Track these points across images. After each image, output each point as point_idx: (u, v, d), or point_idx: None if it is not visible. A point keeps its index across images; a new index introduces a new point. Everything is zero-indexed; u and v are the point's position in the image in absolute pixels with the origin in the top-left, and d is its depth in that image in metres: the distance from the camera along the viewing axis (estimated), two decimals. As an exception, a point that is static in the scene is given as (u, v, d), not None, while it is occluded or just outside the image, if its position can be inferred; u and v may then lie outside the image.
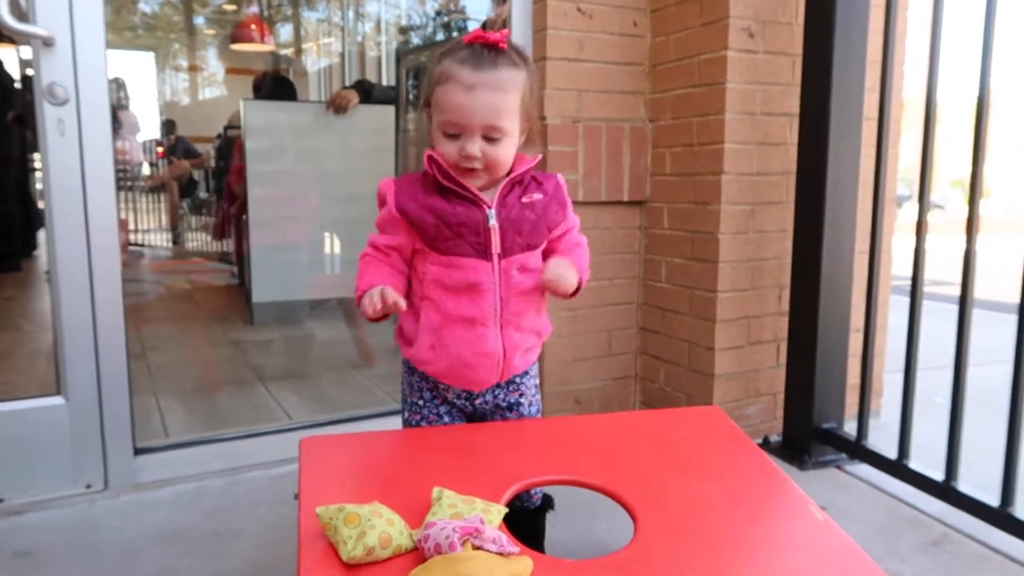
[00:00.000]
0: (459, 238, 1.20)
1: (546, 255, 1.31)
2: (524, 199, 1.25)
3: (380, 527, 0.91)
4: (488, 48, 1.17)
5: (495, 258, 1.22)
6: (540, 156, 1.28)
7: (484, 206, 1.21)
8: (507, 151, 1.20)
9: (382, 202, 1.25)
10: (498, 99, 1.16)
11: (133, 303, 3.92)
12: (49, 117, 1.67)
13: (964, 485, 1.67)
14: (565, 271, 1.23)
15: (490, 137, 1.17)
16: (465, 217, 1.20)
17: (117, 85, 6.85)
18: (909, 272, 1.78)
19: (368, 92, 3.62)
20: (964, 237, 1.63)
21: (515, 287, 1.24)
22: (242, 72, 6.78)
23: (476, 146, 1.17)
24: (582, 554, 0.94)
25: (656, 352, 2.32)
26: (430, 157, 1.20)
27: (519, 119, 1.20)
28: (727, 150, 2.01)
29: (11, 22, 1.59)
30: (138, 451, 1.87)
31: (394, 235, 1.24)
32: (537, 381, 1.38)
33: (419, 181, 1.24)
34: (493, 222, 1.21)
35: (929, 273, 1.84)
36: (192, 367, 3.13)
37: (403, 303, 1.17)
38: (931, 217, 1.78)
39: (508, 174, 1.24)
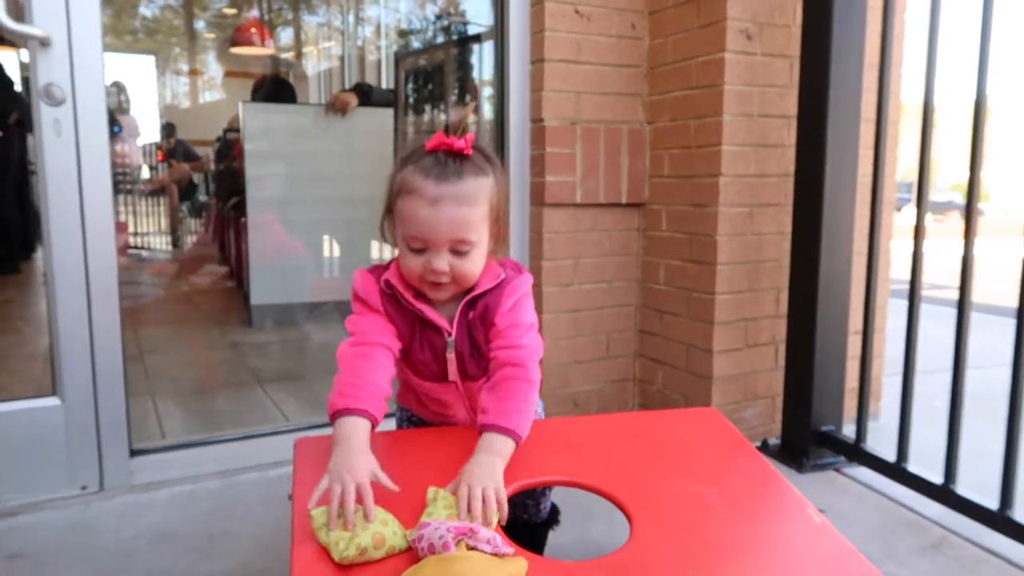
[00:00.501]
0: (422, 365, 1.20)
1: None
2: (471, 314, 1.18)
3: (373, 527, 0.90)
4: (452, 156, 1.10)
5: (457, 382, 1.22)
6: (503, 275, 1.19)
7: (444, 333, 1.18)
8: (476, 263, 1.14)
9: (359, 298, 1.19)
10: (465, 212, 1.08)
11: (132, 306, 3.91)
12: (46, 118, 1.67)
13: (963, 488, 1.67)
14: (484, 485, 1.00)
15: (458, 251, 1.10)
16: (428, 343, 1.18)
17: (118, 89, 6.85)
18: (907, 276, 1.78)
19: (367, 95, 3.62)
20: (962, 241, 1.63)
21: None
22: (240, 75, 6.78)
23: (444, 261, 1.10)
24: (578, 556, 0.94)
25: (654, 354, 2.31)
26: (387, 282, 1.15)
27: (488, 226, 1.13)
28: (725, 152, 2.01)
29: (8, 22, 1.59)
30: (134, 453, 1.87)
31: (386, 332, 1.17)
32: None
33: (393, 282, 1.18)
34: (451, 352, 1.18)
35: (927, 277, 1.84)
36: (189, 369, 3.12)
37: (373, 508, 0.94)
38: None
39: (472, 287, 1.17)
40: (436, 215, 1.08)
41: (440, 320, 1.17)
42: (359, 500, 0.93)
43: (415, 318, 1.18)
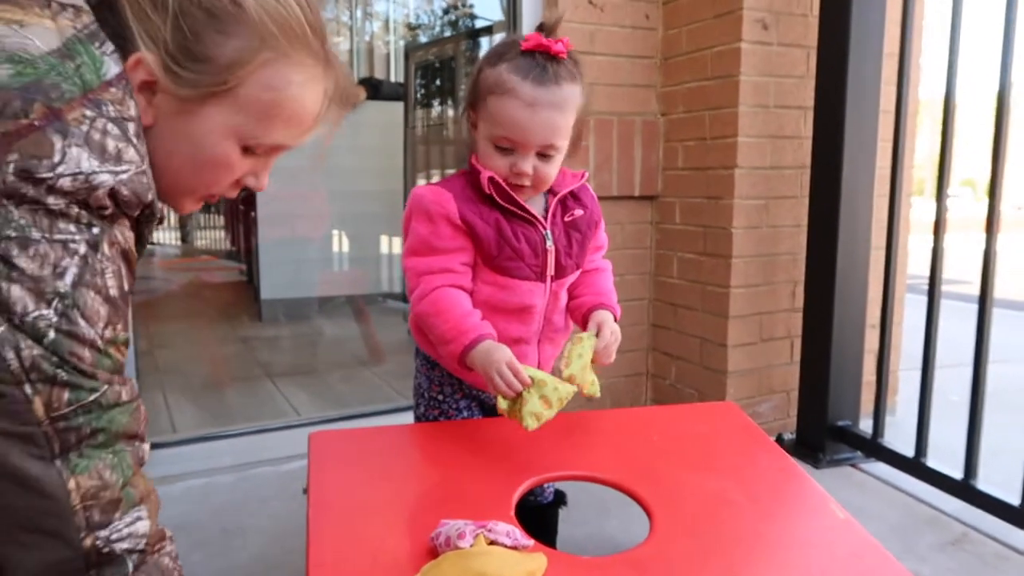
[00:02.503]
0: (519, 259, 1.16)
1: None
2: (567, 217, 1.21)
3: (537, 392, 1.05)
4: (549, 59, 1.09)
5: (548, 280, 1.20)
6: (586, 172, 1.25)
7: (541, 227, 1.17)
8: (556, 168, 1.16)
9: (430, 215, 1.14)
10: (558, 118, 1.10)
11: (142, 300, 3.92)
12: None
13: (984, 484, 1.64)
14: (616, 329, 1.20)
15: (544, 155, 1.13)
16: (525, 238, 1.16)
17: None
18: (923, 271, 1.75)
19: (376, 88, 3.62)
20: (975, 235, 1.60)
21: (560, 306, 1.24)
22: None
23: (529, 164, 1.12)
24: (594, 551, 0.92)
25: (667, 349, 2.29)
26: (491, 179, 1.13)
27: (571, 134, 1.15)
28: (740, 144, 1.99)
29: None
30: (146, 447, 1.86)
31: (460, 251, 1.15)
32: None
33: (469, 190, 1.15)
34: (550, 244, 1.18)
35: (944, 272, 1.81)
36: (200, 364, 3.12)
37: (526, 375, 1.06)
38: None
39: (550, 189, 1.20)
40: (531, 118, 1.09)
41: (538, 216, 1.17)
42: (516, 373, 1.04)
43: (506, 215, 1.15)
